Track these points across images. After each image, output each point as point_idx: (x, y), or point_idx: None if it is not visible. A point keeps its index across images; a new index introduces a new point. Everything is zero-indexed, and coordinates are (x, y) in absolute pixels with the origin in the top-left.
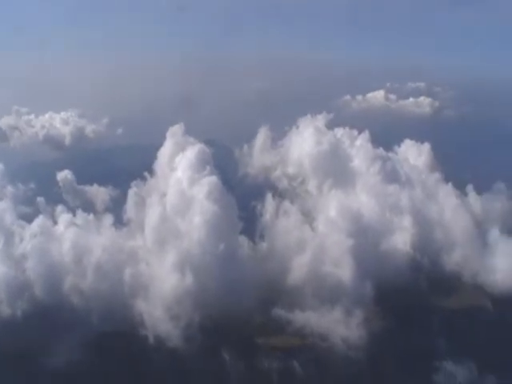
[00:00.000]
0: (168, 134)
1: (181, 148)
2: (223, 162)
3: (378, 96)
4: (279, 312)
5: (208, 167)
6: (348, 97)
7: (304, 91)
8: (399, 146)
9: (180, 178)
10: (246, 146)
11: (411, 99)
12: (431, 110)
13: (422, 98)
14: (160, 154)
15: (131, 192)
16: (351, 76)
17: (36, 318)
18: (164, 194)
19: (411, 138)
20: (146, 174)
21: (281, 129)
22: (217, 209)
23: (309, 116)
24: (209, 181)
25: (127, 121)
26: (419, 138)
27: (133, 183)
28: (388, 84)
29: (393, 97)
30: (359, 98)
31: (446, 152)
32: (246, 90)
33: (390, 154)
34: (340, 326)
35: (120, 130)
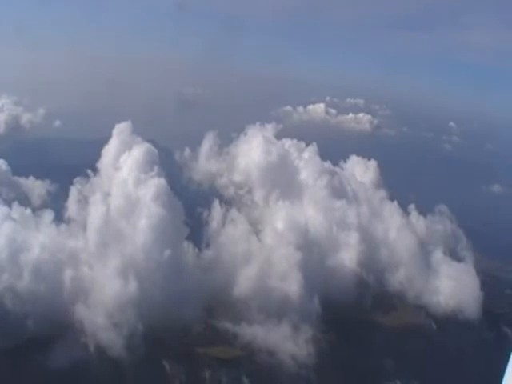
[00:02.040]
0: (114, 132)
1: (127, 147)
2: (166, 165)
3: (318, 109)
4: (223, 323)
5: (156, 168)
6: (289, 107)
7: (244, 100)
8: (344, 160)
9: (126, 177)
10: (187, 150)
11: (351, 115)
12: (370, 127)
13: (361, 115)
14: (105, 152)
15: (73, 189)
16: (291, 88)
17: None
18: (108, 194)
19: (354, 154)
20: (88, 171)
21: (225, 135)
22: (164, 212)
23: (257, 124)
24: (156, 182)
25: (65, 113)
26: (361, 154)
27: (75, 180)
28: (328, 98)
29: (333, 111)
30: (300, 109)
31: (389, 170)
32: (190, 95)
33: (337, 169)
34: (287, 342)
35: (58, 122)
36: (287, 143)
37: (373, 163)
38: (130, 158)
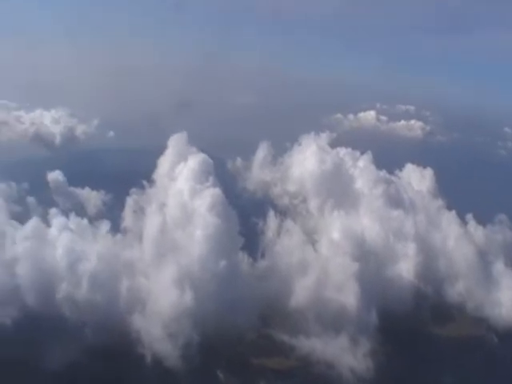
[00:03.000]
0: (170, 142)
1: (182, 157)
2: (219, 175)
3: (369, 116)
4: (279, 334)
5: (211, 178)
6: (339, 115)
7: (294, 108)
8: (398, 168)
9: (181, 188)
10: (239, 160)
11: (402, 121)
12: (422, 134)
13: (413, 121)
14: (161, 162)
15: (129, 200)
16: (341, 95)
17: (25, 328)
18: (164, 204)
19: (407, 161)
20: (143, 181)
21: (277, 145)
22: (219, 223)
23: (311, 133)
24: (212, 193)
25: (118, 124)
26: (414, 161)
27: (131, 190)
28: (378, 105)
29: (384, 118)
30: (350, 116)
31: (443, 178)
32: (235, 104)
33: (393, 178)
34: (345, 354)
35: (111, 133)
36: (341, 152)
37: (429, 171)
38: (186, 169)
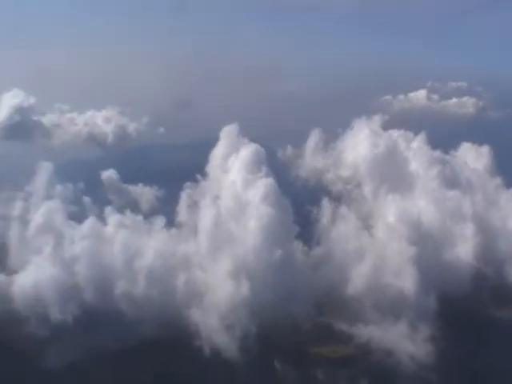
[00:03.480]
0: (222, 134)
1: (234, 148)
2: (270, 164)
3: (419, 96)
4: (336, 321)
5: (264, 168)
6: (389, 97)
7: (342, 93)
8: (453, 147)
9: (234, 179)
10: (290, 148)
11: (454, 99)
12: (475, 111)
13: (465, 98)
14: (213, 155)
15: (183, 194)
16: (390, 76)
17: (86, 324)
18: (217, 197)
19: (462, 140)
20: (197, 175)
21: (328, 130)
22: (273, 212)
23: (362, 118)
24: (265, 183)
25: (168, 120)
26: (469, 139)
27: (185, 185)
28: (429, 83)
29: (435, 97)
30: (401, 97)
31: (500, 155)
32: (283, 93)
33: (448, 157)
34: (405, 340)
35: (162, 129)
36: (394, 134)
37: (485, 149)
38: (238, 160)
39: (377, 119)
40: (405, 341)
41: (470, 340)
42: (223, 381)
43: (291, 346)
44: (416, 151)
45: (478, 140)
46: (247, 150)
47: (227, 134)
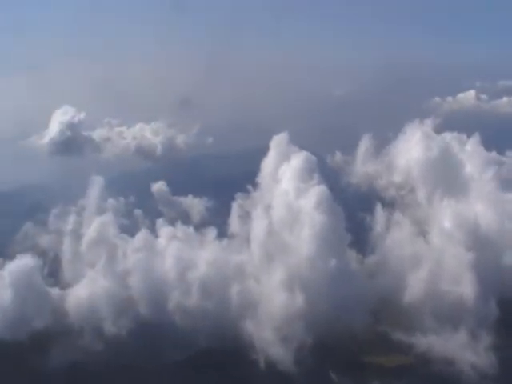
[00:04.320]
0: (272, 143)
1: (285, 157)
2: (320, 171)
3: (468, 97)
4: (393, 330)
5: (315, 176)
6: (438, 99)
7: (389, 96)
8: (508, 149)
9: (286, 188)
10: (340, 155)
11: (505, 98)
12: None
13: None
14: (264, 164)
15: (235, 204)
16: (437, 77)
17: (140, 336)
18: (269, 206)
19: None
20: (248, 185)
21: (377, 135)
22: (326, 220)
23: (414, 121)
24: (317, 191)
25: (216, 130)
26: None
27: (236, 195)
28: (478, 83)
29: (484, 97)
30: (449, 99)
31: None
32: (330, 97)
33: (504, 159)
34: (465, 350)
35: (210, 140)
36: (447, 137)
37: None
38: (290, 168)
39: (428, 122)
40: (465, 349)
41: None
42: None
43: (347, 355)
44: (470, 153)
45: None
46: (298, 158)
47: (277, 142)
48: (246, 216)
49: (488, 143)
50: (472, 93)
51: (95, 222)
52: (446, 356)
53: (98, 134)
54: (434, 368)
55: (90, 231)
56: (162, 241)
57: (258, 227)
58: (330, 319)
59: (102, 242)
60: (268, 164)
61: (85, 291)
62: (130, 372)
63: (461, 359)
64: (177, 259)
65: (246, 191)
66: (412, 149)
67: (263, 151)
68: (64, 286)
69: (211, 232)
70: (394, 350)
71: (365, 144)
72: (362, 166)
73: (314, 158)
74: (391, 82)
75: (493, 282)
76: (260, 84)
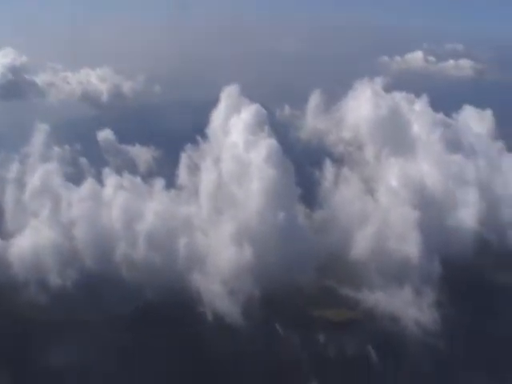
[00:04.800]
0: (222, 95)
1: (236, 109)
2: (271, 126)
3: (416, 58)
4: (338, 285)
5: (266, 129)
6: (385, 58)
7: (337, 54)
8: (453, 111)
9: (236, 141)
10: (290, 109)
11: (451, 61)
12: (473, 74)
13: (462, 61)
14: (213, 116)
15: (184, 155)
16: (385, 37)
17: (86, 289)
18: (219, 159)
19: (461, 103)
20: (197, 136)
21: (328, 92)
22: (276, 174)
23: (364, 79)
24: (267, 144)
25: (164, 78)
26: (468, 103)
27: (184, 146)
28: (425, 45)
29: (432, 58)
30: (397, 59)
31: (501, 119)
32: (280, 53)
33: (451, 121)
34: (409, 306)
35: (157, 88)
36: (397, 96)
37: (487, 113)
38: (240, 121)
39: (378, 81)
40: (409, 306)
41: (474, 306)
42: (226, 345)
43: (294, 309)
44: (419, 114)
45: (477, 103)
46: (248, 111)
47: (228, 94)
48: (194, 168)
49: (435, 104)
50: (420, 54)
51: (39, 170)
52: (391, 312)
53: (41, 79)
54: (380, 323)
55: (34, 180)
56: (108, 190)
57: (207, 179)
58: (278, 273)
59: (46, 190)
60: (218, 115)
61: (28, 242)
62: (75, 325)
63: (405, 315)
64: (123, 210)
65: (195, 142)
66: (361, 106)
67: (212, 103)
68: (6, 236)
69: (159, 183)
70: (340, 305)
71: (315, 99)
72: (312, 121)
73: (264, 111)
74: (340, 41)
75: (437, 241)
76: (210, 37)
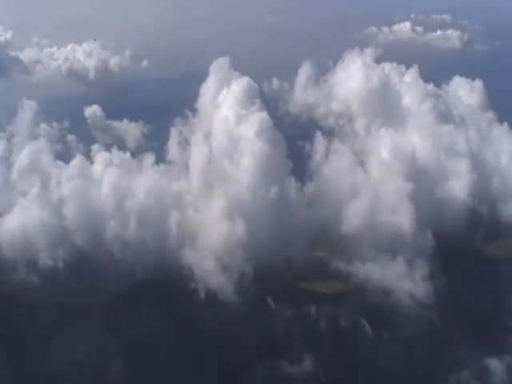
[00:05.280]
0: (212, 68)
1: (226, 83)
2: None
3: (404, 28)
4: (330, 258)
5: (257, 102)
6: (373, 28)
7: (324, 24)
8: (442, 81)
9: (226, 115)
10: (275, 81)
11: (439, 32)
12: (461, 44)
13: (450, 31)
14: (203, 90)
15: (173, 130)
16: (372, 7)
17: (77, 269)
18: (209, 133)
19: (450, 74)
20: (186, 110)
21: (317, 63)
22: (268, 149)
23: (353, 50)
24: (258, 117)
25: (151, 53)
26: (457, 73)
27: (174, 121)
28: (412, 15)
29: (420, 29)
30: (385, 29)
31: (489, 90)
32: (265, 24)
33: (441, 91)
34: (401, 278)
35: (145, 63)
36: (386, 67)
37: (477, 83)
38: (230, 94)
39: (369, 52)
40: (401, 278)
41: (465, 277)
42: (218, 321)
43: (286, 283)
44: (409, 85)
45: (465, 74)
46: (239, 84)
47: (218, 67)
48: (184, 142)
49: (424, 75)
50: (407, 25)
51: (27, 149)
52: (384, 284)
53: (26, 55)
54: (371, 295)
55: (22, 158)
56: (97, 167)
57: (198, 154)
58: (270, 247)
59: (35, 169)
60: (207, 89)
61: (17, 221)
62: (66, 305)
63: (397, 287)
64: (113, 187)
65: (184, 117)
66: (351, 78)
67: (200, 76)
68: None
69: (149, 158)
70: (332, 278)
71: (303, 72)
72: (301, 94)
73: (255, 84)
74: (327, 11)
75: (428, 214)
76: (197, 11)
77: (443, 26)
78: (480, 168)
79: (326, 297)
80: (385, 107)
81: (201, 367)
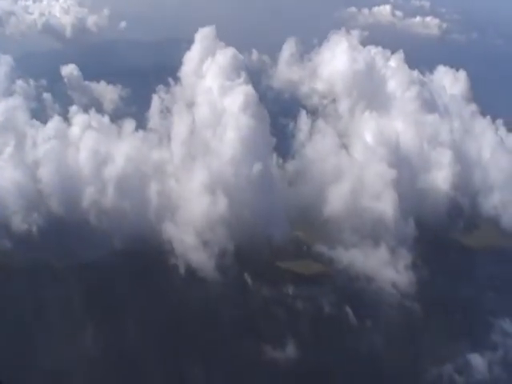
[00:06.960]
0: (197, 37)
1: (210, 52)
2: None
3: (384, 12)
4: (314, 242)
5: (243, 74)
6: (353, 9)
7: (302, 2)
8: (424, 68)
9: (210, 85)
10: (255, 53)
11: (418, 18)
12: (439, 32)
13: (429, 18)
14: (187, 58)
15: (155, 97)
16: None
17: (52, 234)
18: (192, 103)
19: (430, 61)
20: (168, 78)
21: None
22: (252, 123)
23: (339, 31)
24: (244, 90)
25: (129, 14)
26: (436, 61)
27: (156, 88)
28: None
29: (399, 13)
30: (365, 11)
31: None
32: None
33: (425, 79)
34: (382, 264)
35: (123, 24)
36: (372, 50)
37: (462, 74)
38: (215, 65)
39: (355, 34)
40: (382, 263)
41: (444, 266)
42: (194, 296)
43: (265, 262)
44: (394, 70)
45: (444, 63)
46: (224, 55)
47: (203, 36)
48: (166, 111)
49: (407, 61)
50: (387, 8)
51: (2, 105)
52: (365, 271)
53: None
54: (352, 281)
55: None
56: (75, 130)
57: (180, 124)
58: (251, 224)
59: (10, 127)
60: (191, 58)
61: None
62: (40, 271)
63: (379, 275)
64: (92, 151)
65: (166, 84)
66: (337, 58)
67: (181, 44)
68: None
69: (128, 124)
70: (311, 259)
71: (288, 48)
72: (285, 70)
73: (241, 55)
74: None
75: (411, 202)
76: None
77: (422, 12)
78: (462, 160)
79: (304, 277)
80: (370, 90)
81: (175, 342)
